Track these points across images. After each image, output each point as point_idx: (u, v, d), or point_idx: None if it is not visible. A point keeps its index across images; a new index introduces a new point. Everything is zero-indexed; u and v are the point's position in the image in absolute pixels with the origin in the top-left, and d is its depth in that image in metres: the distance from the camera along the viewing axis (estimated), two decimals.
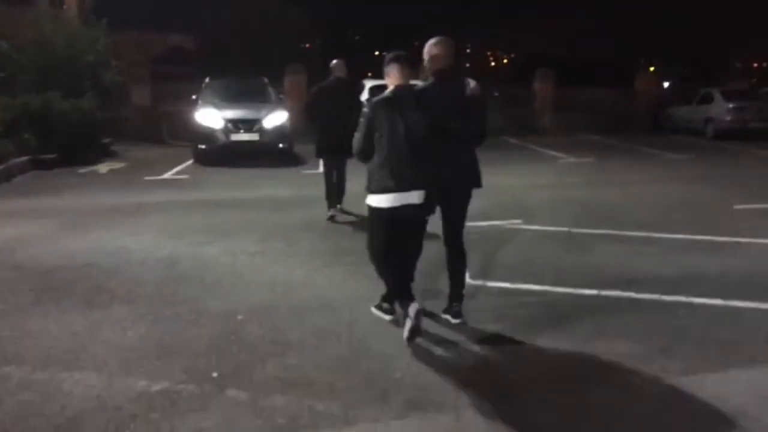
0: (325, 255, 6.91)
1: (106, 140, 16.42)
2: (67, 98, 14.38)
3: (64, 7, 15.23)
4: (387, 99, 4.63)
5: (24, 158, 12.93)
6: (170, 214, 9.07)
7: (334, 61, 8.91)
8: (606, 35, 35.45)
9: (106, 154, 15.52)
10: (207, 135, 14.05)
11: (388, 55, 4.73)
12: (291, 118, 14.88)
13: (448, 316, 5.04)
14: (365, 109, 4.65)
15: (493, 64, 69.07)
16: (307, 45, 44.23)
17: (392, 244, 4.69)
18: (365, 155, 4.66)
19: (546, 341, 4.67)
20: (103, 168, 13.66)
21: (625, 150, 18.04)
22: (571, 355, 4.47)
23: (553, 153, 16.84)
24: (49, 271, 6.20)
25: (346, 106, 8.21)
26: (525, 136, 21.05)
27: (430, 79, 4.89)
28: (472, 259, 6.64)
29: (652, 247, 7.26)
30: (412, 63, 4.70)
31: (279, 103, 15.23)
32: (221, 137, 14.04)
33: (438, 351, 4.54)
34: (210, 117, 14.18)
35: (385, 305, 5.06)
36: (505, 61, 68.87)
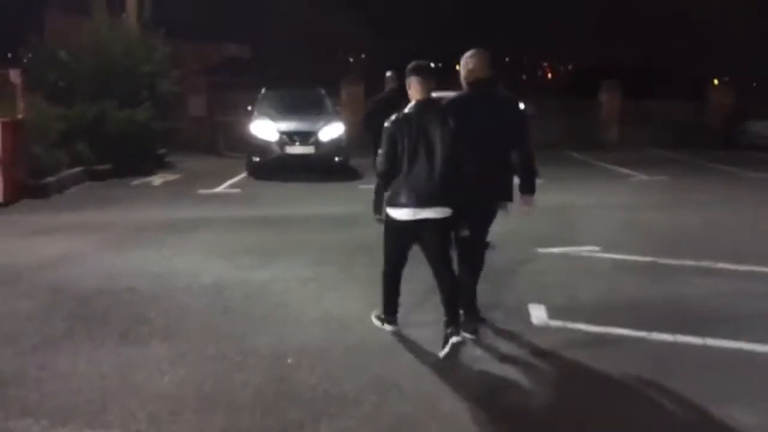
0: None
1: (161, 151, 16.21)
2: (122, 108, 14.18)
3: (123, 15, 15.06)
4: (408, 115, 4.51)
5: (78, 169, 12.73)
6: (220, 231, 8.60)
7: (389, 73, 9.19)
8: (676, 45, 34.03)
9: (160, 165, 15.29)
10: (261, 147, 13.65)
11: (409, 66, 4.61)
12: (348, 130, 14.37)
13: (466, 334, 4.75)
14: (387, 125, 4.55)
15: (549, 75, 67.64)
16: (363, 56, 43.93)
17: (405, 257, 4.74)
18: (388, 175, 4.57)
19: (648, 407, 3.93)
20: (156, 180, 13.39)
21: (700, 167, 16.94)
22: (683, 426, 3.73)
23: (622, 170, 15.88)
24: (86, 297, 5.74)
25: None
26: (589, 151, 20.10)
27: (466, 90, 4.88)
28: (550, 294, 6.03)
29: (755, 283, 6.40)
30: (434, 74, 4.58)
31: (335, 115, 14.73)
32: (276, 150, 13.61)
33: (521, 411, 3.86)
34: (264, 129, 13.78)
35: (382, 316, 4.98)
36: (562, 70, 67.45)
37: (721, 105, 23.68)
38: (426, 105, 4.52)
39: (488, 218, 4.94)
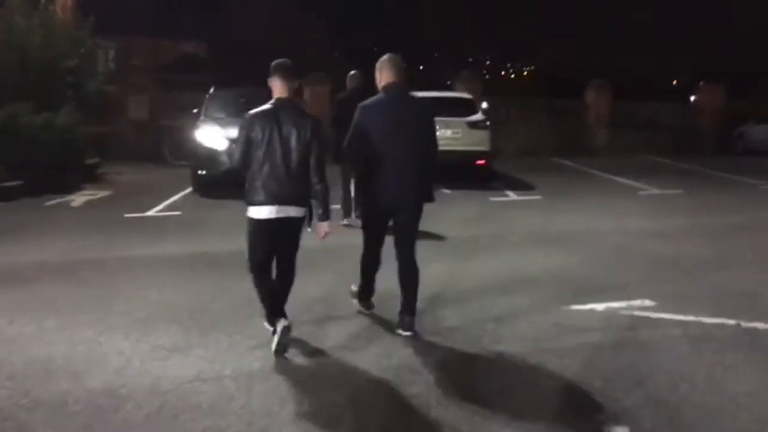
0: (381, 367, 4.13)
1: (92, 161, 13.80)
2: (40, 112, 11.75)
3: (42, 1, 12.62)
4: (264, 112, 4.65)
5: None
6: (139, 281, 6.34)
7: (352, 72, 9.39)
8: (655, 46, 32.49)
9: (89, 179, 12.86)
10: (208, 158, 11.31)
11: (272, 65, 4.73)
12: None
13: (399, 330, 5.02)
14: (241, 121, 4.71)
15: (512, 76, 66.09)
16: (332, 54, 41.66)
17: (268, 256, 4.76)
18: (242, 167, 4.69)
19: None
20: (77, 199, 10.98)
21: (709, 177, 15.13)
22: None
23: (625, 181, 13.95)
24: None
25: None
26: (579, 157, 18.19)
27: (380, 94, 5.09)
28: (619, 399, 3.84)
29: None
30: (295, 74, 4.74)
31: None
32: (225, 161, 11.29)
33: None
34: (212, 136, 11.45)
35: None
36: (524, 73, 66.18)
37: (710, 107, 22.04)
38: (284, 103, 4.67)
39: (413, 217, 5.12)
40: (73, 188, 11.74)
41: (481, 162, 12.85)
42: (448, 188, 12.39)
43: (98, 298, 5.82)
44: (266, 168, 4.53)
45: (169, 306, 5.61)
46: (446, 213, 10.04)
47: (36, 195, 10.93)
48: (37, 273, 6.58)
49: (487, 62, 63.96)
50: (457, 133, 12.80)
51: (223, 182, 11.27)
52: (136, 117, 16.94)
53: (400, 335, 4.96)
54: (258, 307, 4.95)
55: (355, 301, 5.50)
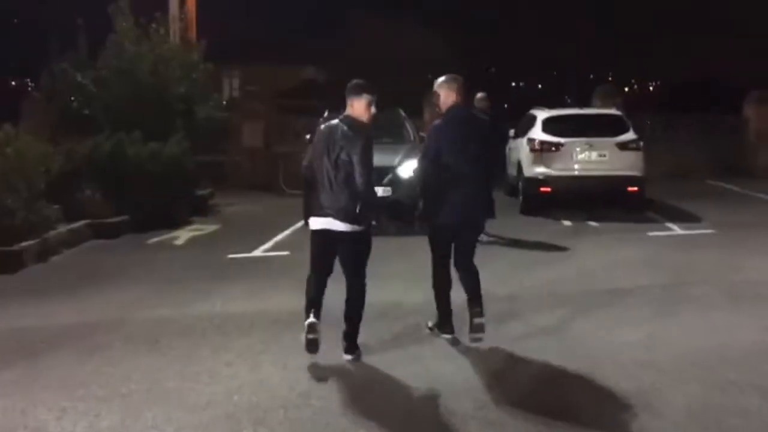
0: None
1: (204, 192, 13.08)
2: (148, 141, 11.06)
3: (153, 26, 12.05)
4: (328, 125, 4.88)
5: (80, 223, 9.64)
6: (230, 350, 5.12)
7: (479, 94, 9.60)
8: None
9: (199, 212, 12.08)
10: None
11: (350, 85, 4.88)
12: None
13: (473, 335, 5.11)
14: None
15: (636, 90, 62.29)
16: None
17: (318, 263, 4.97)
18: (308, 175, 4.92)
19: None
20: (182, 236, 10.10)
21: None
22: None
23: None
24: None
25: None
26: (740, 180, 15.61)
27: (446, 115, 5.28)
28: None
29: None
30: (354, 92, 4.85)
31: (419, 145, 11.13)
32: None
33: None
34: None
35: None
36: (650, 88, 62.33)
37: None
38: (344, 119, 4.84)
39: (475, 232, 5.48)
40: (181, 222, 10.94)
41: (634, 189, 10.97)
42: (594, 221, 10.60)
43: (177, 374, 4.64)
44: (321, 180, 4.76)
45: (261, 394, 4.32)
46: (602, 255, 8.30)
47: (141, 231, 10.16)
48: (109, 336, 5.52)
49: (609, 78, 60.73)
50: (604, 155, 11.01)
51: None
52: (250, 144, 16.23)
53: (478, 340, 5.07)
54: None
55: (436, 332, 5.39)
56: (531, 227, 10.38)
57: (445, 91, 5.29)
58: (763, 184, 15.05)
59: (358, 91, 4.82)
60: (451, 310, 5.30)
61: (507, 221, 10.92)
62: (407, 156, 10.36)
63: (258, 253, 8.80)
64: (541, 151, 11.17)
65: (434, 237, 5.31)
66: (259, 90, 18.73)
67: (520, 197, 11.71)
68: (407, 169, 10.17)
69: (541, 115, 11.84)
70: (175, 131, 11.74)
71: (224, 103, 20.08)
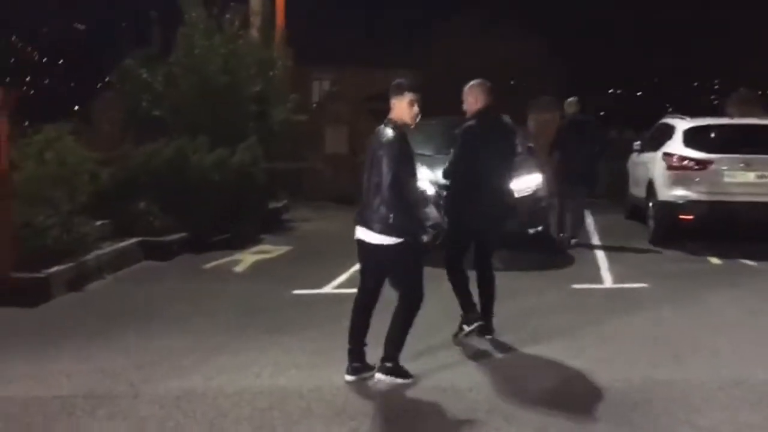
0: None
1: (277, 204, 11.66)
2: (216, 147, 9.70)
3: (226, 17, 10.67)
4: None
5: (131, 241, 8.33)
6: None
7: (570, 99, 9.92)
8: None
9: (270, 227, 10.63)
10: None
11: (392, 84, 4.67)
12: (548, 179, 8.90)
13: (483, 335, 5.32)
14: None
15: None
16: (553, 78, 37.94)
17: (365, 277, 4.98)
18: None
19: None
20: (245, 259, 8.61)
21: None
22: None
23: None
24: None
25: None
26: None
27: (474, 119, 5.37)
28: None
29: None
30: (394, 93, 4.60)
31: (530, 157, 9.25)
32: (434, 216, 8.35)
33: None
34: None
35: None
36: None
37: None
38: (383, 124, 4.66)
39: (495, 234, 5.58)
40: (247, 241, 9.49)
41: None
42: (749, 258, 8.42)
43: None
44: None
45: None
46: None
47: (200, 251, 8.79)
48: (109, 423, 3.99)
49: (716, 86, 56.35)
50: (764, 176, 8.78)
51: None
52: (333, 151, 14.75)
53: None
54: None
55: (471, 334, 5.32)
56: (667, 264, 8.33)
57: (473, 96, 5.40)
58: None
59: (399, 90, 4.56)
60: (474, 304, 5.37)
61: (635, 254, 8.97)
62: (517, 171, 8.48)
63: (328, 289, 7.16)
64: (683, 170, 9.05)
65: (454, 238, 5.22)
66: (345, 91, 17.29)
67: (651, 224, 9.61)
68: (516, 186, 8.29)
69: (682, 125, 9.68)
70: (247, 136, 10.34)
71: (313, 105, 18.94)
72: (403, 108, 4.53)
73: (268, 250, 9.19)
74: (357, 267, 8.25)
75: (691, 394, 4.36)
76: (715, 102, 43.32)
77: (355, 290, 7.05)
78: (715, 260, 8.49)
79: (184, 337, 5.55)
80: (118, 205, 8.70)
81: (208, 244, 9.03)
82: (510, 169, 5.64)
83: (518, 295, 6.83)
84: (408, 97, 4.52)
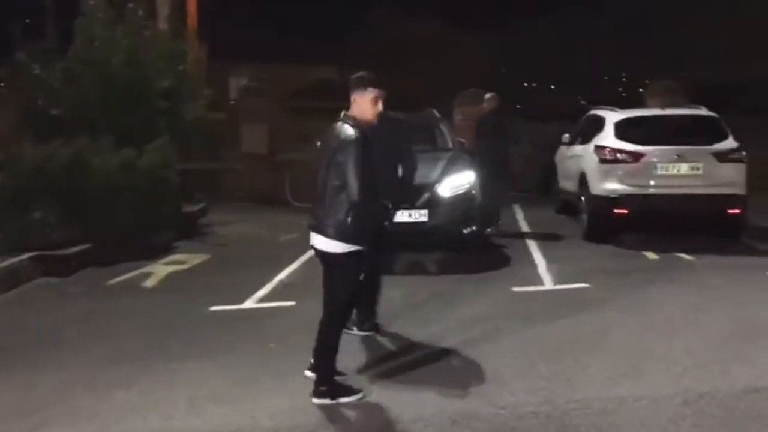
0: None
1: (193, 208, 10.83)
2: (120, 148, 8.82)
3: (130, 5, 9.73)
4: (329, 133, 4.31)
5: (22, 257, 7.39)
6: None
7: (488, 95, 10.19)
8: None
9: (187, 233, 9.82)
10: None
11: (353, 77, 4.27)
12: (483, 177, 8.48)
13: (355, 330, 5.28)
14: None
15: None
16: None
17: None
18: None
19: None
20: (157, 272, 7.80)
21: None
22: None
23: None
24: None
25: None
26: None
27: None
28: None
29: None
30: (354, 87, 4.20)
31: (462, 155, 8.80)
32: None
33: None
34: None
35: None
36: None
37: None
38: (339, 120, 4.29)
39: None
40: (159, 250, 8.69)
41: (735, 211, 8.59)
42: (686, 252, 8.25)
43: None
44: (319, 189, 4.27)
45: None
46: (722, 311, 5.89)
47: (105, 264, 7.93)
48: None
49: (623, 79, 58.31)
50: (697, 168, 8.63)
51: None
52: (251, 150, 13.96)
53: None
54: None
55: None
56: (605, 261, 8.05)
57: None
58: None
59: (361, 84, 4.15)
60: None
61: (570, 251, 8.67)
62: (449, 168, 8.02)
63: (250, 303, 6.45)
64: (616, 163, 8.81)
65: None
66: (263, 87, 16.52)
67: (584, 219, 9.35)
68: (448, 186, 7.84)
69: (612, 116, 9.45)
70: (157, 135, 9.49)
71: (231, 103, 18.01)
72: (365, 105, 4.16)
73: (183, 260, 8.41)
74: (282, 276, 7.69)
75: (658, 413, 3.96)
76: (624, 94, 44.73)
77: (280, 303, 6.52)
78: (651, 255, 8.28)
79: (82, 370, 4.78)
80: (8, 216, 7.76)
81: (115, 256, 8.18)
82: (399, 161, 5.59)
83: (456, 301, 6.38)
84: (371, 93, 4.15)
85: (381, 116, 5.14)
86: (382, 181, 4.35)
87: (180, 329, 5.70)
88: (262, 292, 6.78)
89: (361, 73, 4.23)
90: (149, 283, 7.33)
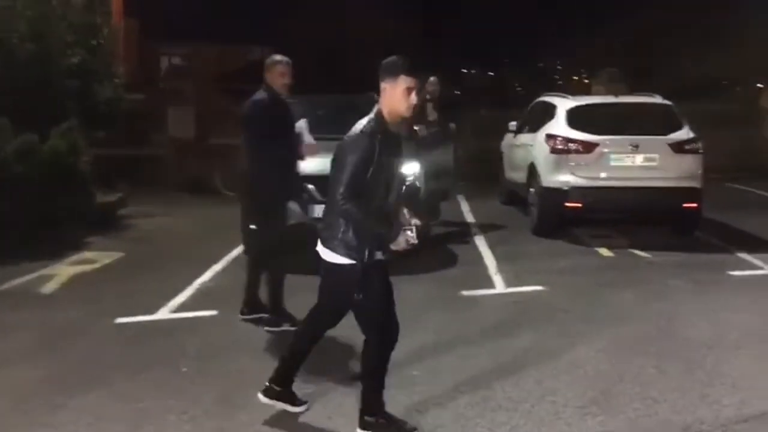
0: None
1: (110, 199, 9.83)
2: (20, 133, 7.78)
3: None
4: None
5: None
6: None
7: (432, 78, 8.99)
8: None
9: (103, 226, 8.85)
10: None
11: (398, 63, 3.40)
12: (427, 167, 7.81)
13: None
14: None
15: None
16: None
17: None
18: None
19: None
20: (60, 272, 6.83)
21: None
22: None
23: None
24: None
25: None
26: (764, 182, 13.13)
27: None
28: None
29: None
30: (381, 75, 3.43)
31: (405, 143, 8.08)
32: (296, 212, 7.07)
33: None
34: None
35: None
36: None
37: None
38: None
39: None
40: (69, 247, 7.72)
41: (691, 205, 8.17)
42: (641, 249, 7.80)
43: None
44: None
45: None
46: (686, 317, 5.39)
47: (4, 263, 6.93)
48: None
49: (558, 67, 58.84)
50: (653, 159, 8.16)
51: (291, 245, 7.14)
52: (178, 134, 12.94)
53: None
54: None
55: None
56: (558, 259, 7.49)
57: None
58: None
59: (393, 71, 3.36)
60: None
61: (521, 248, 8.11)
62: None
63: (164, 313, 5.60)
64: (567, 153, 8.26)
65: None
66: (195, 68, 15.48)
67: (534, 212, 8.81)
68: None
69: (564, 104, 8.89)
70: (65, 118, 8.47)
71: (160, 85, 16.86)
72: (395, 96, 3.35)
73: (93, 258, 7.45)
74: (204, 278, 6.87)
75: None
76: (560, 82, 44.98)
77: (200, 313, 5.71)
78: (606, 252, 7.79)
79: None
80: None
81: (15, 253, 7.18)
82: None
83: (398, 309, 5.67)
84: (404, 82, 3.33)
85: (275, 98, 5.03)
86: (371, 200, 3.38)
87: (75, 348, 4.83)
88: (179, 299, 5.94)
89: (392, 57, 3.43)
90: (48, 288, 6.37)
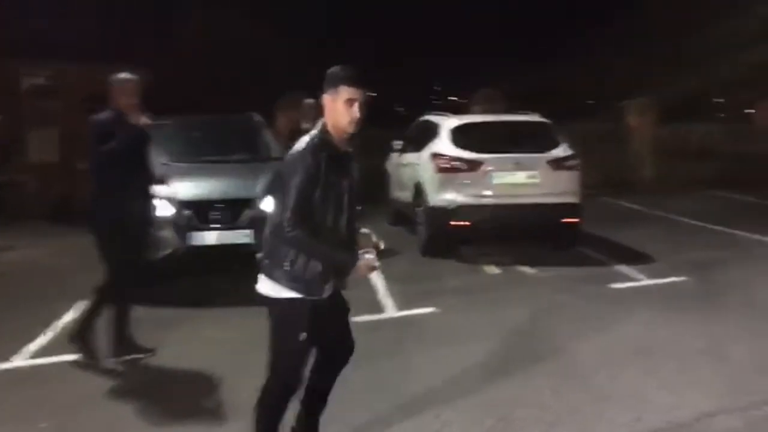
0: None
1: None
2: None
3: None
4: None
5: None
6: None
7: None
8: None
9: None
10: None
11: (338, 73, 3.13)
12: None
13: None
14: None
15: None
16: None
17: None
18: None
19: None
20: None
21: None
22: None
23: (741, 233, 9.67)
24: None
25: None
26: (632, 196, 13.90)
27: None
28: None
29: None
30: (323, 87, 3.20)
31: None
32: (171, 239, 6.62)
33: None
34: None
35: None
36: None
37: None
38: None
39: None
40: None
41: (571, 221, 8.36)
42: (526, 265, 7.89)
43: None
44: None
45: None
46: (580, 334, 5.41)
47: None
48: None
49: (435, 88, 60.34)
50: (534, 177, 8.30)
51: (165, 276, 6.65)
52: (40, 159, 11.99)
53: None
54: None
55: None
56: (447, 279, 7.44)
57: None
58: (660, 200, 13.18)
59: (333, 81, 3.09)
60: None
61: (409, 269, 7.99)
62: (274, 182, 6.99)
63: (20, 360, 4.99)
64: (453, 172, 8.26)
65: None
66: (61, 88, 14.44)
67: (422, 232, 8.73)
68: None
69: (447, 122, 8.91)
70: None
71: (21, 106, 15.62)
72: (336, 109, 3.08)
73: None
74: (67, 318, 6.23)
75: None
76: (435, 102, 46.18)
77: (61, 358, 5.11)
78: (492, 269, 7.81)
79: None
80: None
81: None
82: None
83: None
84: (345, 93, 3.06)
85: (118, 118, 4.78)
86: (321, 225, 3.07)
87: None
88: (38, 343, 5.34)
89: (334, 68, 3.16)
90: None
